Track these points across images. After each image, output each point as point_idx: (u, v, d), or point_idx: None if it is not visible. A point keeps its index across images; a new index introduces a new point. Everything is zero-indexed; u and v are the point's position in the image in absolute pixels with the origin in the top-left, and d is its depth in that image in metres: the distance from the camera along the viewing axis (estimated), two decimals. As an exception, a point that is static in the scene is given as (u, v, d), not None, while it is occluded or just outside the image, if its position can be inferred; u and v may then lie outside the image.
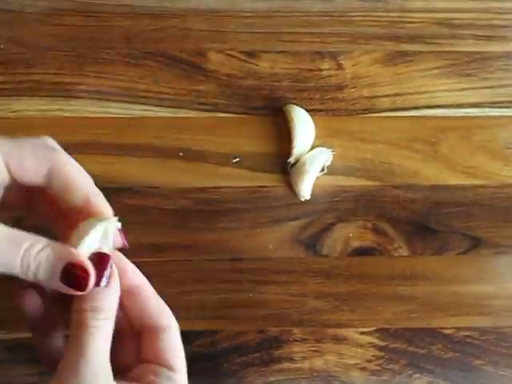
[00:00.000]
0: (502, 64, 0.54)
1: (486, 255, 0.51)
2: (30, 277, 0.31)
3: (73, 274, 0.31)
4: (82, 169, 0.34)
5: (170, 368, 0.34)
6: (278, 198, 0.51)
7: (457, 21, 0.55)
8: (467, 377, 0.49)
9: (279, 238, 0.50)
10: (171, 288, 0.48)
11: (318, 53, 0.54)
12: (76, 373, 0.30)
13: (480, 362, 0.49)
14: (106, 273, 0.32)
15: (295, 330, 0.49)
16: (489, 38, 0.55)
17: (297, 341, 0.49)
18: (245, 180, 0.51)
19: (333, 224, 0.51)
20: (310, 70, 0.53)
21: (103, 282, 0.32)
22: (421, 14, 0.55)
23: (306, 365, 0.49)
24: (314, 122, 0.52)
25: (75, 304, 0.32)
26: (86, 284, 0.31)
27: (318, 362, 0.49)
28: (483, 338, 0.50)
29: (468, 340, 0.49)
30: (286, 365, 0.49)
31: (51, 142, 0.34)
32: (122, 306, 0.34)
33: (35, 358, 0.47)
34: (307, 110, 0.52)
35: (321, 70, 0.54)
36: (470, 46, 0.55)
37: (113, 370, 0.32)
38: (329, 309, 0.50)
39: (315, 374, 0.48)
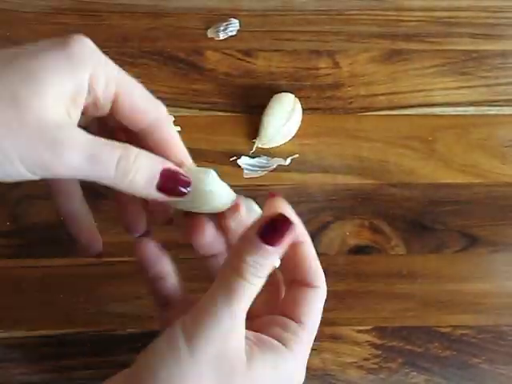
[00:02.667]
0: (498, 62, 0.54)
1: (482, 253, 0.51)
2: (123, 184, 0.30)
3: (171, 180, 0.31)
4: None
5: (300, 324, 0.32)
6: (275, 196, 0.51)
7: (453, 19, 0.55)
8: (464, 375, 0.49)
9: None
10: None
11: (315, 51, 0.54)
12: (216, 319, 0.29)
13: (477, 360, 0.49)
14: (285, 237, 0.30)
15: (292, 329, 0.49)
16: (485, 37, 0.55)
17: (294, 339, 0.49)
18: (243, 179, 0.51)
19: (330, 222, 0.51)
20: (307, 69, 0.53)
21: (277, 244, 0.30)
22: (417, 13, 0.55)
23: (303, 363, 0.49)
24: (312, 121, 0.52)
25: (237, 251, 0.30)
26: (185, 190, 0.31)
27: (315, 361, 0.49)
28: (480, 336, 0.50)
29: (465, 338, 0.50)
30: (283, 363, 0.49)
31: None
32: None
33: (33, 357, 0.47)
34: (304, 109, 0.52)
35: (318, 68, 0.54)
36: (466, 45, 0.55)
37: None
38: (326, 307, 0.49)
39: (312, 373, 0.48)
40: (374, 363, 0.49)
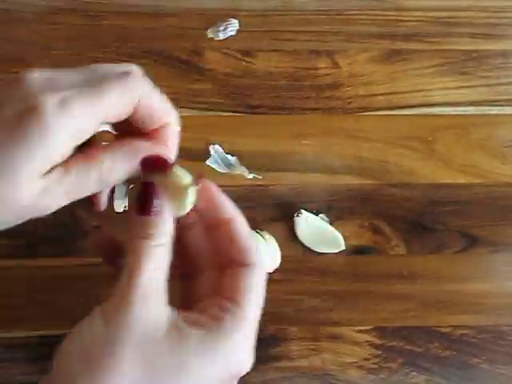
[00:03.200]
0: (498, 62, 0.54)
1: (482, 253, 0.51)
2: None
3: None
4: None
5: (235, 303, 0.32)
6: (275, 196, 0.51)
7: (453, 19, 0.55)
8: (464, 375, 0.49)
9: (277, 236, 0.50)
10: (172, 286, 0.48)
11: (315, 51, 0.54)
12: (123, 294, 0.30)
13: (477, 360, 0.49)
14: (156, 201, 0.32)
15: (292, 329, 0.49)
16: (485, 37, 0.55)
17: (294, 339, 0.49)
18: (242, 179, 0.51)
19: (330, 223, 0.51)
20: (307, 69, 0.54)
21: (153, 211, 0.32)
22: (417, 13, 0.55)
23: (303, 363, 0.49)
24: (311, 121, 0.52)
25: (128, 234, 0.32)
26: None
27: (315, 361, 0.49)
28: (480, 336, 0.50)
29: (465, 338, 0.49)
30: (283, 363, 0.49)
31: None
32: (207, 237, 0.35)
33: (33, 357, 0.47)
34: (304, 109, 0.52)
35: (317, 68, 0.54)
36: (466, 45, 0.55)
37: (185, 304, 0.32)
38: (326, 307, 0.50)
39: (312, 373, 0.48)
40: (374, 363, 0.49)
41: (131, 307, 0.29)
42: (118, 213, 0.49)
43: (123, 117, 0.32)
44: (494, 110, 0.53)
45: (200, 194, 0.34)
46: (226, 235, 0.34)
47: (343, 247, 0.50)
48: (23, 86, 0.30)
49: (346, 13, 0.55)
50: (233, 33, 0.53)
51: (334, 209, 0.51)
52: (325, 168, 0.52)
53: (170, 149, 0.35)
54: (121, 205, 0.49)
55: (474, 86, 0.54)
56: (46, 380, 0.30)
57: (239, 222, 0.34)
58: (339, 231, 0.50)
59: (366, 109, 0.53)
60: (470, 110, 0.53)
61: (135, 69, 0.32)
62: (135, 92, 0.31)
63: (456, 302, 0.50)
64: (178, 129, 0.39)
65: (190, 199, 0.33)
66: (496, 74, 0.54)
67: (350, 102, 0.53)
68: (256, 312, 0.32)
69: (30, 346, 0.48)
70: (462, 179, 0.52)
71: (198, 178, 0.34)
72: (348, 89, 0.53)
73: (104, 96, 0.30)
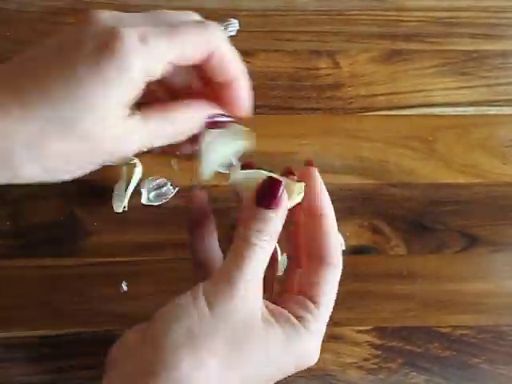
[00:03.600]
0: (498, 62, 0.54)
1: (482, 253, 0.51)
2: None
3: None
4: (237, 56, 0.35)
5: (316, 304, 0.34)
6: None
7: (454, 19, 0.55)
8: (464, 375, 0.49)
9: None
10: (172, 286, 0.48)
11: (315, 51, 0.54)
12: (229, 281, 0.32)
13: (477, 360, 0.49)
14: (278, 198, 0.33)
15: (292, 329, 0.49)
16: (486, 37, 0.55)
17: (294, 339, 0.49)
18: (243, 179, 0.51)
19: (330, 223, 0.51)
20: (307, 69, 0.54)
21: (273, 206, 0.33)
22: (418, 13, 0.55)
23: (302, 363, 0.49)
24: (312, 121, 0.52)
25: (242, 222, 0.34)
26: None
27: (315, 361, 0.49)
28: (480, 336, 0.50)
29: (465, 338, 0.49)
30: (283, 363, 0.49)
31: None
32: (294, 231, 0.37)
33: (33, 357, 0.47)
34: (305, 109, 0.52)
35: (318, 68, 0.54)
36: (466, 45, 0.55)
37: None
38: (326, 307, 0.49)
39: (312, 373, 0.48)
40: (373, 363, 0.49)
41: (233, 300, 0.32)
42: (117, 213, 0.49)
43: (195, 61, 0.32)
44: (494, 110, 0.54)
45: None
46: (316, 229, 0.35)
47: (343, 247, 0.50)
48: (99, 23, 0.30)
49: (346, 13, 0.55)
50: (233, 33, 0.53)
51: (334, 208, 0.51)
52: (325, 168, 0.52)
53: (238, 105, 0.38)
54: (120, 206, 0.49)
55: (474, 87, 0.54)
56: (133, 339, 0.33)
57: (329, 217, 0.36)
58: (339, 231, 0.50)
59: (367, 109, 0.53)
60: (470, 110, 0.53)
61: (212, 23, 0.33)
62: (213, 40, 0.32)
63: (456, 302, 0.50)
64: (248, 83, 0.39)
65: (298, 196, 0.35)
66: (495, 74, 0.54)
67: (351, 102, 0.53)
68: (330, 311, 0.35)
69: (29, 346, 0.47)
70: (462, 179, 0.52)
71: (305, 164, 0.37)
72: (349, 89, 0.53)
73: (182, 37, 0.31)
